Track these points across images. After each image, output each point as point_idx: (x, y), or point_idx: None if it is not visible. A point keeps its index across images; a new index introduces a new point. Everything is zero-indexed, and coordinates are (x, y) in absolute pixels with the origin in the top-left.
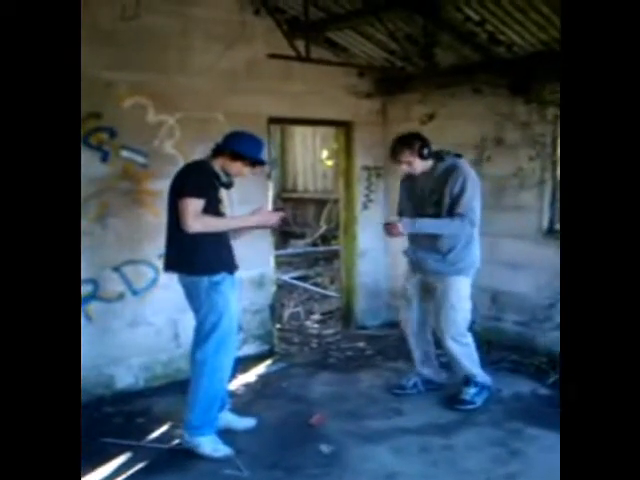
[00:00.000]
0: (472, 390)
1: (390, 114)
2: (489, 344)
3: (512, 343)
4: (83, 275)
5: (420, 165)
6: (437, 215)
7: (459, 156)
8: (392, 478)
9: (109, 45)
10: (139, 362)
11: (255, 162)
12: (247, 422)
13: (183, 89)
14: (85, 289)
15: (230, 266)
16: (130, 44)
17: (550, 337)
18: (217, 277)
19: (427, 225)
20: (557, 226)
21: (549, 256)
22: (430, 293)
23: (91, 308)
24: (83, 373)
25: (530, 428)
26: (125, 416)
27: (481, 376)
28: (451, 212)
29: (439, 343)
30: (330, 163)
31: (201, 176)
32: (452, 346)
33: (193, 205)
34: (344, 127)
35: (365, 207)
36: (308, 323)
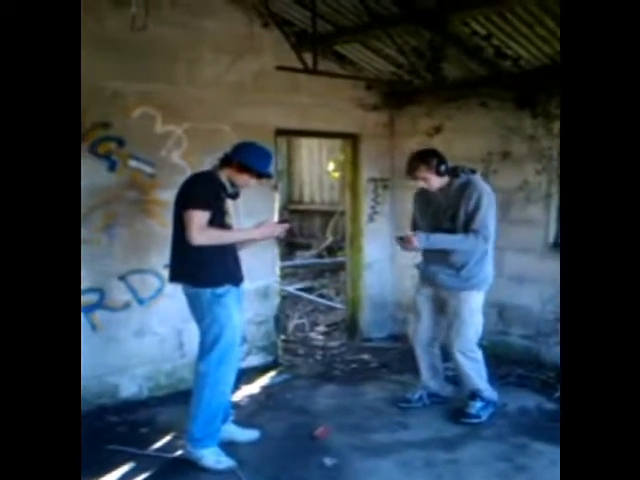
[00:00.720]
0: (478, 404)
1: (397, 127)
2: (496, 358)
3: (518, 357)
4: (89, 284)
5: (437, 181)
6: (452, 230)
7: (474, 172)
8: None
9: (118, 56)
10: (143, 372)
11: (262, 175)
12: (250, 434)
13: (191, 100)
14: (91, 298)
15: (235, 278)
16: (139, 55)
17: (556, 351)
18: (220, 289)
19: (441, 240)
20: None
21: (555, 270)
22: (441, 307)
23: (96, 317)
24: (87, 382)
25: (536, 443)
26: (129, 425)
27: (488, 391)
28: (466, 228)
29: (446, 357)
30: (336, 175)
31: (207, 188)
32: (462, 361)
33: (198, 217)
34: (351, 139)
35: (371, 219)
36: (313, 335)
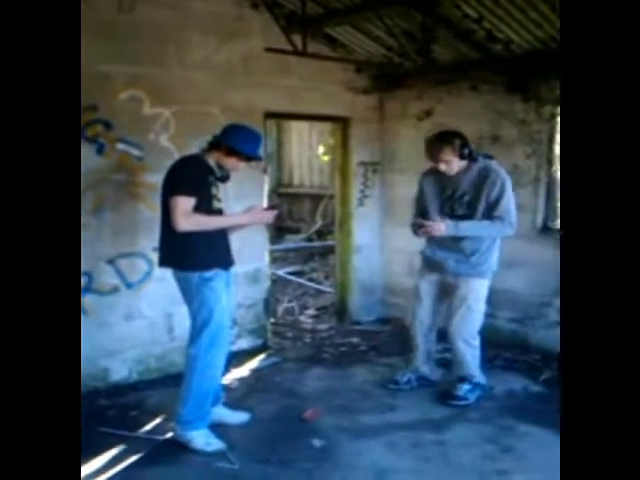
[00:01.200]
0: (466, 386)
1: (387, 110)
2: (483, 341)
3: (506, 340)
4: None
5: (457, 165)
6: (468, 216)
7: (491, 157)
8: (384, 473)
9: (105, 38)
10: (133, 355)
11: (251, 158)
12: (240, 416)
13: (179, 82)
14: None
15: (224, 262)
16: (127, 37)
17: (543, 334)
18: (209, 273)
19: (469, 228)
20: (552, 224)
21: (543, 254)
22: (445, 294)
23: (86, 301)
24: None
25: (522, 425)
26: (119, 409)
27: (479, 376)
28: (487, 215)
29: (439, 340)
30: (326, 158)
31: (194, 172)
32: (463, 348)
33: (183, 203)
34: (341, 123)
35: (361, 203)
36: (302, 318)
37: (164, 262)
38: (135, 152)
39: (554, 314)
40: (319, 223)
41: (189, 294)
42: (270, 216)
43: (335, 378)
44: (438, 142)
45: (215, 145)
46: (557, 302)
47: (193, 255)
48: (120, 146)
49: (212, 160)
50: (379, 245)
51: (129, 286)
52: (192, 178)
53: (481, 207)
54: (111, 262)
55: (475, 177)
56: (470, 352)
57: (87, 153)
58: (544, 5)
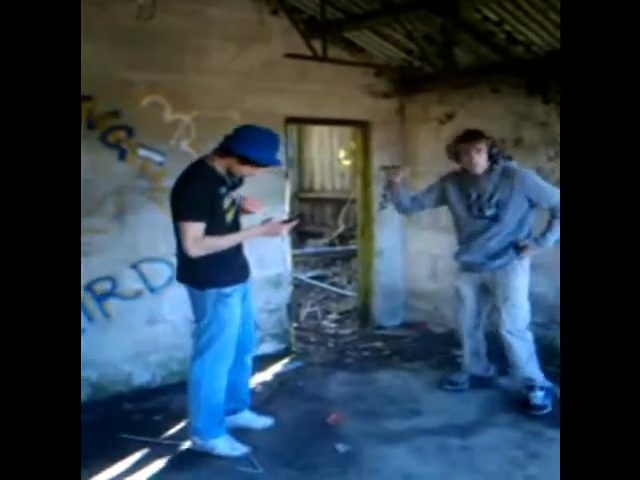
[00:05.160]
0: (539, 393)
1: (408, 114)
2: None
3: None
4: (102, 272)
5: (484, 161)
6: (496, 217)
7: (510, 159)
8: (409, 479)
9: (126, 45)
10: (156, 359)
11: (267, 165)
12: (265, 421)
13: (200, 88)
14: (104, 286)
15: (240, 276)
16: (147, 44)
17: None
18: (227, 289)
19: (551, 237)
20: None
21: None
22: (486, 293)
23: (109, 305)
24: (102, 369)
25: (550, 430)
26: (143, 413)
27: (541, 378)
28: (525, 214)
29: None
30: (347, 163)
31: (201, 192)
32: (510, 340)
33: (193, 230)
34: (361, 127)
35: (382, 207)
36: (325, 322)
37: (181, 278)
38: (156, 158)
39: None
40: (341, 227)
41: (202, 309)
42: (285, 228)
43: (359, 383)
44: (475, 132)
45: (226, 150)
46: None
47: (209, 273)
48: (142, 152)
49: (222, 166)
50: (401, 249)
51: (152, 290)
52: (200, 200)
53: (516, 207)
54: (134, 267)
55: (500, 178)
56: (521, 345)
57: (109, 159)
58: None
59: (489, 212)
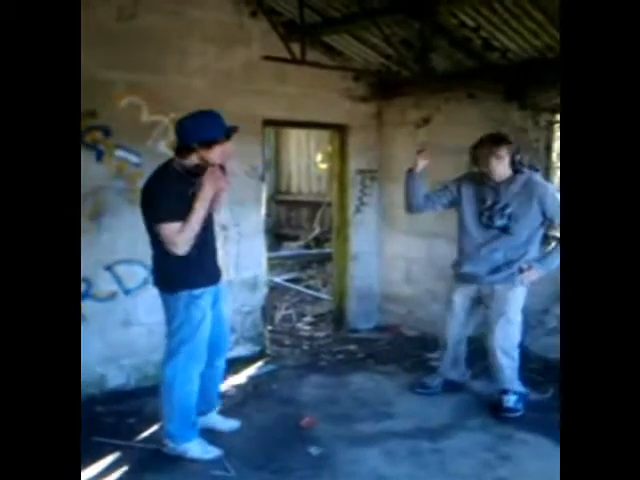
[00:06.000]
0: (512, 397)
1: (385, 118)
2: (482, 349)
3: None
4: None
5: (505, 169)
6: (506, 228)
7: (537, 170)
8: None
9: (105, 44)
10: (131, 362)
11: (228, 135)
12: (231, 423)
13: (178, 90)
14: None
15: (211, 278)
16: (127, 44)
17: (541, 343)
18: (197, 291)
19: (553, 260)
20: (549, 232)
21: None
22: (479, 306)
23: (84, 307)
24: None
25: (520, 433)
26: (116, 416)
27: (518, 385)
28: (536, 229)
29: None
30: (324, 166)
31: (169, 194)
32: (502, 360)
33: (170, 230)
34: (339, 130)
35: (358, 210)
36: (300, 325)
37: (154, 281)
38: (133, 159)
39: (553, 321)
40: (317, 230)
41: (174, 311)
42: (223, 181)
43: (332, 386)
44: (499, 136)
45: (185, 148)
46: (556, 309)
47: (180, 275)
48: (119, 153)
49: (192, 163)
50: (377, 252)
51: (127, 292)
52: (169, 201)
53: (528, 221)
54: (109, 268)
55: (520, 189)
56: (509, 364)
57: (86, 159)
58: (540, 14)
59: (499, 222)
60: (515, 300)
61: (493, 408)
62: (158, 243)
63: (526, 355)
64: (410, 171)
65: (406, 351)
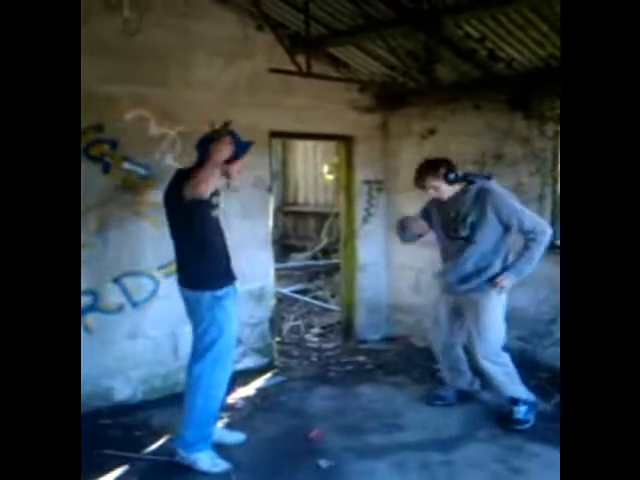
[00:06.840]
0: (522, 408)
1: (391, 129)
2: None
3: (513, 359)
4: (83, 286)
5: (447, 190)
6: (471, 237)
7: (489, 178)
8: None
9: (111, 58)
10: (138, 375)
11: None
12: (237, 436)
13: (185, 103)
14: (85, 300)
15: (231, 277)
16: (133, 58)
17: (550, 353)
18: (220, 292)
19: (525, 266)
20: (557, 241)
21: (549, 271)
22: (460, 313)
23: (90, 319)
24: (81, 385)
25: (531, 444)
26: (123, 428)
27: (525, 393)
28: (502, 234)
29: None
30: (331, 178)
31: None
32: (487, 366)
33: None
34: (345, 141)
35: (365, 221)
36: (308, 337)
37: (180, 282)
38: (141, 171)
39: None
40: (324, 241)
41: (199, 314)
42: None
43: (341, 397)
44: (421, 170)
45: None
46: None
47: (204, 274)
48: (126, 165)
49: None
50: (384, 263)
51: (134, 305)
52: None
53: (490, 228)
54: (116, 281)
55: (474, 199)
56: (498, 370)
57: (92, 172)
58: (544, 24)
59: (463, 233)
60: (492, 307)
61: (503, 419)
62: (183, 242)
63: (535, 364)
64: (403, 228)
65: (415, 362)
